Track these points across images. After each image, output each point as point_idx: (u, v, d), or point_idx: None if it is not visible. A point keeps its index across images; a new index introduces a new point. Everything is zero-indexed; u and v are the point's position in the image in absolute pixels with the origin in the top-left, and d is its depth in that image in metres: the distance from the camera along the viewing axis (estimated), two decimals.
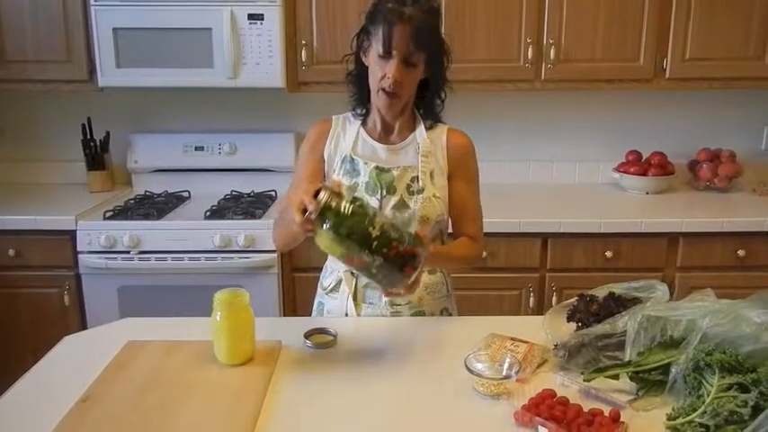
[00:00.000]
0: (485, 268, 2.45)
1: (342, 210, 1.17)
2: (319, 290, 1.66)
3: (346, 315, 1.56)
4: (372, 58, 1.44)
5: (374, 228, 1.18)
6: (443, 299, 1.62)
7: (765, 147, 3.01)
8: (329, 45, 2.57)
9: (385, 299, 1.53)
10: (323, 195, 1.17)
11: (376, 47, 1.41)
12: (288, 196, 1.60)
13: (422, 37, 1.39)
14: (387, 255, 1.18)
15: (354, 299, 1.55)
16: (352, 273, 1.55)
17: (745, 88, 2.70)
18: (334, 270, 1.60)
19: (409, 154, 1.54)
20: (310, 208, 1.17)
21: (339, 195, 1.19)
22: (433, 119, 1.57)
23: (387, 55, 1.40)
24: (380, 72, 1.42)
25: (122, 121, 2.95)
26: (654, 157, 2.85)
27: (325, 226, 1.18)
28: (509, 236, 2.42)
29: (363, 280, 1.54)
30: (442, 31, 1.49)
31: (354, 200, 1.20)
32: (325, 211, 1.17)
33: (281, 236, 1.54)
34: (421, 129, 1.55)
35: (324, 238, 1.19)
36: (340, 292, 1.57)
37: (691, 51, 2.57)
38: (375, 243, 1.17)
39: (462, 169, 1.57)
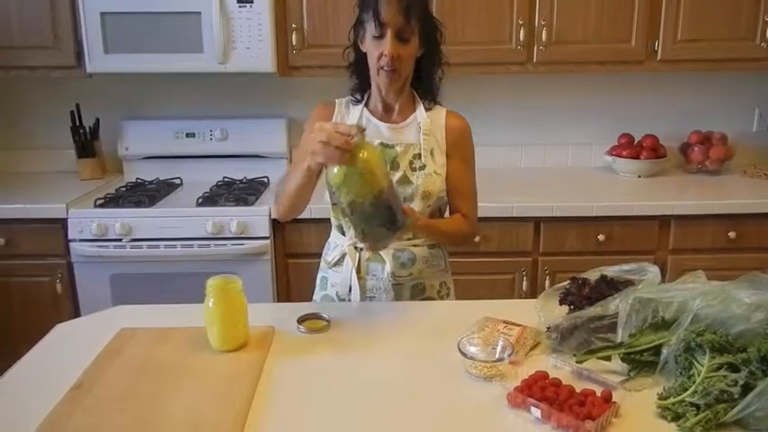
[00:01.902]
0: (478, 252, 2.45)
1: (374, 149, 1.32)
2: (322, 264, 1.70)
3: (350, 289, 1.60)
4: (368, 43, 1.49)
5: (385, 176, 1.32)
6: (442, 272, 1.67)
7: (756, 129, 3.02)
8: (320, 29, 2.54)
9: (387, 270, 1.57)
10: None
11: (370, 30, 1.46)
12: (300, 149, 1.57)
13: (411, 10, 1.44)
14: (378, 201, 1.28)
15: (358, 272, 1.59)
16: (355, 247, 1.59)
17: (736, 69, 2.69)
18: (338, 245, 1.64)
19: (411, 133, 1.58)
20: (353, 131, 1.26)
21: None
22: (431, 99, 1.61)
23: (380, 34, 1.44)
24: (377, 52, 1.46)
25: (112, 107, 2.92)
26: (646, 139, 2.86)
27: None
28: (502, 220, 2.43)
29: (367, 253, 1.59)
30: (432, 9, 1.54)
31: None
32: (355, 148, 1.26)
33: (289, 188, 1.48)
34: (420, 109, 1.60)
35: (339, 171, 1.28)
36: (344, 266, 1.61)
37: (682, 33, 2.57)
38: (379, 188, 1.28)
39: (459, 150, 1.62)
